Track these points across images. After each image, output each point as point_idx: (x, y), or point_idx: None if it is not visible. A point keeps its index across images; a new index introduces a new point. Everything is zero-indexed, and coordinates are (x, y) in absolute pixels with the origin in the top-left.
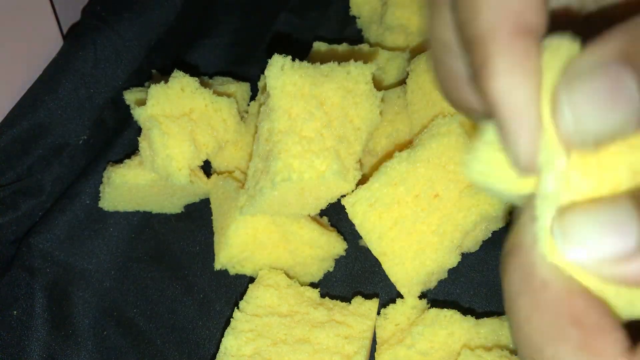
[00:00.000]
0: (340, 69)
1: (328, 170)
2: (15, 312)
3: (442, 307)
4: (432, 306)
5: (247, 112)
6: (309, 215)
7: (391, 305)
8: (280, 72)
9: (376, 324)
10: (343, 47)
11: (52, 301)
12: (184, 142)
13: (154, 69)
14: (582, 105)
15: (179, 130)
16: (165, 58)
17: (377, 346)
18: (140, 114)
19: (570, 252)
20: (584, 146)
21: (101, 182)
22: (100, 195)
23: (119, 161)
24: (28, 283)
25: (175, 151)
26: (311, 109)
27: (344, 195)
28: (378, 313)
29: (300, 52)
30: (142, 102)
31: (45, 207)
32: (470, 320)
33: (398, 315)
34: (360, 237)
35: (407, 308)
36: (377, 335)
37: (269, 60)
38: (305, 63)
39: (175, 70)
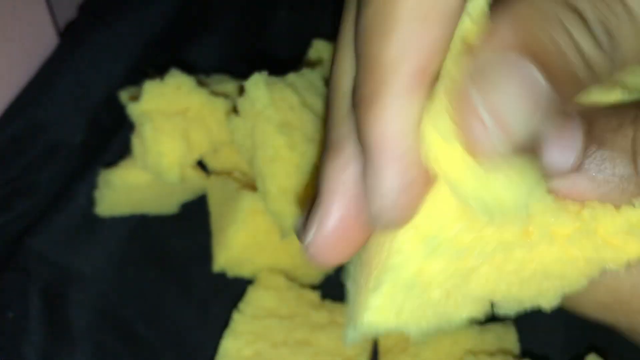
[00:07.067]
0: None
1: None
2: (10, 314)
3: None
4: None
5: None
6: None
7: None
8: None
9: None
10: None
11: (47, 303)
12: (176, 140)
13: (150, 67)
14: (503, 105)
15: (172, 128)
16: (162, 56)
17: (379, 356)
18: (133, 110)
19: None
20: (508, 151)
21: (97, 187)
22: (97, 200)
23: (113, 163)
24: (23, 285)
25: (166, 148)
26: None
27: None
28: None
29: (300, 50)
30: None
31: (41, 208)
32: (474, 327)
33: None
34: None
35: None
36: (379, 344)
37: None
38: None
39: (172, 69)
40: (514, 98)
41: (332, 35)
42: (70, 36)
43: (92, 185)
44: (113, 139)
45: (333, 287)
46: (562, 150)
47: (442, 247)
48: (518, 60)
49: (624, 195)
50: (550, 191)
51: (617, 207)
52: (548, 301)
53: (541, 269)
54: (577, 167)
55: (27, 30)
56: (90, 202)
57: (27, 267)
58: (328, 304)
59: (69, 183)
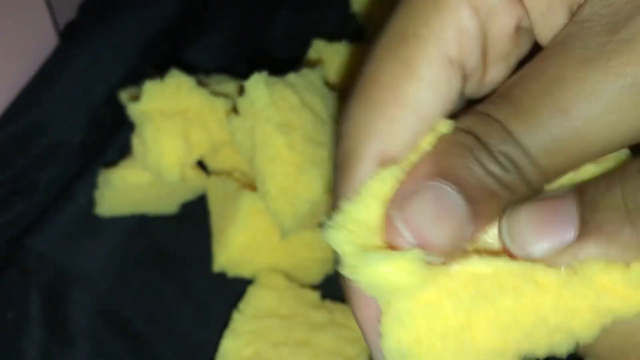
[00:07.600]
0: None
1: None
2: (9, 314)
3: None
4: None
5: None
6: None
7: None
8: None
9: None
10: (343, 45)
11: (47, 303)
12: (176, 140)
13: (150, 67)
14: (422, 223)
15: (172, 128)
16: (162, 56)
17: None
18: (133, 110)
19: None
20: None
21: (97, 187)
22: (97, 200)
23: (113, 163)
24: (23, 285)
25: (166, 148)
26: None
27: None
28: None
29: (300, 50)
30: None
31: (41, 208)
32: None
33: None
34: None
35: None
36: None
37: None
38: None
39: (172, 69)
40: (430, 214)
41: (332, 35)
42: (70, 36)
43: (92, 185)
44: (113, 139)
45: (333, 287)
46: (561, 226)
47: (403, 307)
48: (432, 182)
49: (628, 252)
50: (552, 264)
51: (625, 263)
52: (563, 352)
53: (542, 319)
54: (578, 238)
55: (27, 30)
56: (90, 202)
57: (27, 267)
58: (328, 304)
59: (69, 183)
